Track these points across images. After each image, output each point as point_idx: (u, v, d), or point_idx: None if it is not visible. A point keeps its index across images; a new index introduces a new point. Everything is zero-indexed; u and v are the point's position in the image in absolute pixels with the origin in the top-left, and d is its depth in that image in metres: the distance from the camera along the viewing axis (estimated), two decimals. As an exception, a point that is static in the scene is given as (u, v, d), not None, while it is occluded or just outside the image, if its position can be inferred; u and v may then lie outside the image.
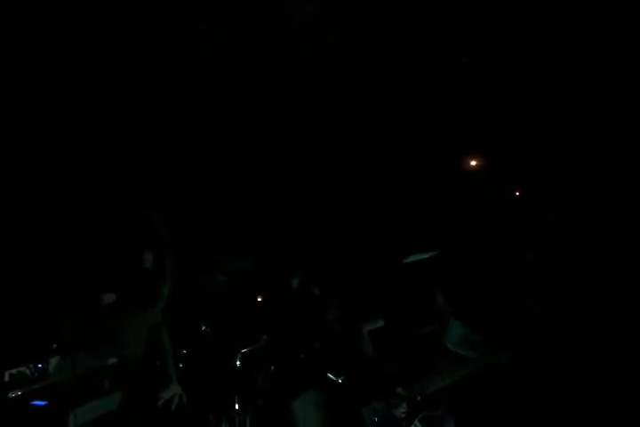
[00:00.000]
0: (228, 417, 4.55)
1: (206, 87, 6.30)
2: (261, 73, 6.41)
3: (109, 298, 3.54)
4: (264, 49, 6.31)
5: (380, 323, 4.41)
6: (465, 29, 6.05)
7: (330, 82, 6.52)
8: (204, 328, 4.74)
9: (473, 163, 7.30)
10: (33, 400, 3.21)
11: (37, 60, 5.60)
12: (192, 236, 5.63)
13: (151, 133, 6.12)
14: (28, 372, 3.22)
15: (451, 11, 5.92)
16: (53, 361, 3.32)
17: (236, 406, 4.53)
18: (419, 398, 4.09)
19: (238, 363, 4.67)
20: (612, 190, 6.08)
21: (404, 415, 4.07)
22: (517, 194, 6.68)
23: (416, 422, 4.08)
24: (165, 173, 6.05)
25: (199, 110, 6.40)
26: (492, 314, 4.69)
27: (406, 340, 4.31)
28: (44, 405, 3.21)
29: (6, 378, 3.15)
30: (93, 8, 5.59)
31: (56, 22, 5.54)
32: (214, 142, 6.42)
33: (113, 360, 3.53)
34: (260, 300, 5.08)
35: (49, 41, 5.57)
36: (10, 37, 5.44)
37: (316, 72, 6.46)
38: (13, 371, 3.18)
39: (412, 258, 4.57)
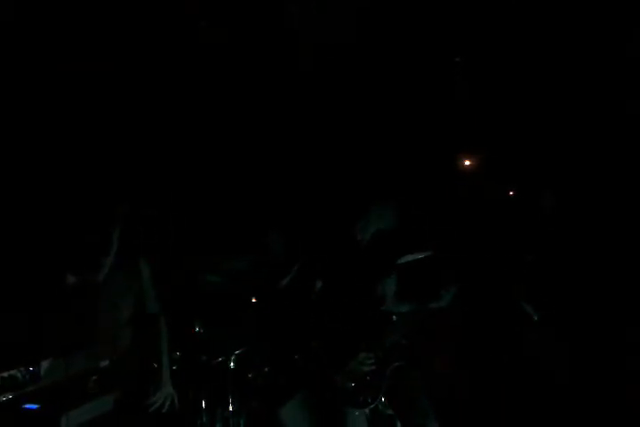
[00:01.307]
0: (222, 419, 4.55)
1: (205, 86, 6.29)
2: (261, 73, 6.39)
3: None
4: (264, 49, 6.30)
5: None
6: (465, 29, 6.03)
7: (330, 82, 6.51)
8: (197, 329, 4.74)
9: (472, 163, 7.28)
10: (25, 404, 3.21)
11: (37, 60, 5.59)
12: (187, 235, 5.62)
13: (149, 132, 6.11)
14: (19, 375, 3.22)
15: (450, 11, 5.90)
16: (45, 364, 3.31)
17: (230, 408, 4.54)
18: (380, 353, 4.14)
19: (232, 364, 4.67)
20: (612, 191, 6.06)
21: (373, 372, 4.12)
22: (512, 194, 6.67)
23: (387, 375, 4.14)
24: (162, 171, 6.04)
25: (198, 109, 6.39)
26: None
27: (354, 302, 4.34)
28: (37, 408, 3.21)
29: (-2, 381, 3.16)
30: (93, 8, 5.59)
31: (56, 22, 5.54)
32: (212, 141, 6.41)
33: (106, 362, 3.53)
34: (255, 301, 5.07)
35: (49, 41, 5.57)
36: (10, 37, 5.44)
37: (315, 72, 6.44)
38: (4, 374, 3.17)
39: (406, 258, 4.57)
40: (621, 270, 5.37)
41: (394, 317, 4.26)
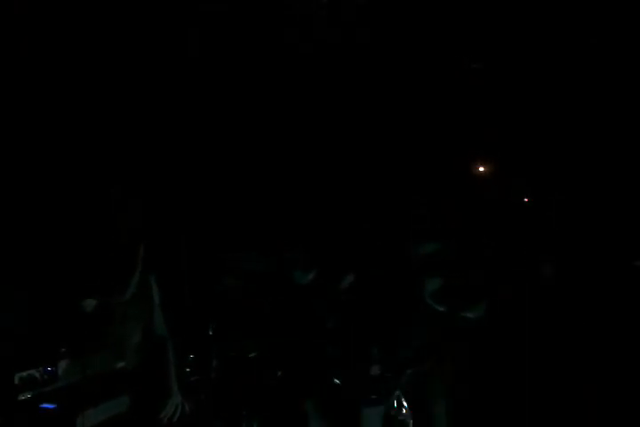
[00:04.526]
0: (236, 422, 4.55)
1: (204, 82, 6.27)
2: (261, 72, 6.40)
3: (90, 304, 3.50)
4: (268, 52, 6.30)
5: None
6: (468, 30, 6.07)
7: (331, 82, 6.53)
8: (211, 333, 4.73)
9: (482, 166, 7.34)
10: (43, 403, 3.23)
11: (36, 59, 5.56)
12: (201, 234, 5.60)
13: (159, 129, 6.07)
14: (37, 375, 3.25)
15: (455, 11, 5.94)
16: (63, 364, 3.34)
17: (244, 412, 4.54)
18: (402, 355, 4.18)
19: (246, 367, 4.67)
20: (615, 191, 6.13)
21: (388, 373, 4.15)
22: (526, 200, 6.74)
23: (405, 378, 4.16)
24: (175, 168, 6.00)
25: (217, 112, 6.37)
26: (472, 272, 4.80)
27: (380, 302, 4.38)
28: (54, 407, 3.23)
29: (17, 381, 3.18)
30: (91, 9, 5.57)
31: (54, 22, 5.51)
32: (225, 137, 6.39)
33: (122, 364, 3.56)
34: (271, 303, 5.05)
35: (49, 41, 5.54)
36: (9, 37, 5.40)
37: (315, 71, 6.46)
38: (24, 374, 3.20)
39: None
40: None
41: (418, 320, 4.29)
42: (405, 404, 4.01)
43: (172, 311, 3.88)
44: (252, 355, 4.72)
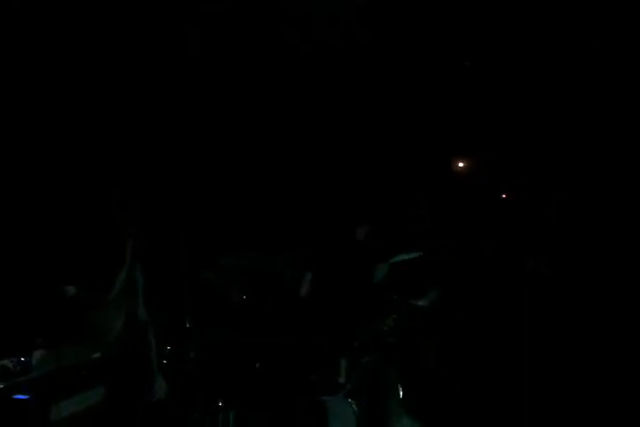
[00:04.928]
0: (212, 414, 4.56)
1: (204, 83, 6.30)
2: (261, 71, 6.42)
3: (70, 291, 3.52)
4: (264, 46, 6.32)
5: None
6: (465, 30, 6.05)
7: (330, 82, 6.54)
8: (188, 325, 4.75)
9: (468, 164, 7.32)
10: (16, 394, 3.25)
11: (36, 60, 5.62)
12: (182, 230, 5.63)
13: (143, 126, 6.09)
14: (11, 365, 3.27)
15: (452, 11, 5.93)
16: (37, 355, 3.37)
17: (220, 403, 4.55)
18: (356, 344, 4.19)
19: (222, 360, 4.69)
20: (613, 192, 6.07)
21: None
22: (505, 196, 6.71)
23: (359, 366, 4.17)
24: (158, 165, 6.02)
25: (204, 111, 6.40)
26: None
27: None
28: (28, 398, 3.25)
29: (-11, 372, 3.20)
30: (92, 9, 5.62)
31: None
32: (209, 135, 6.41)
33: (97, 354, 3.57)
34: (248, 297, 5.09)
35: (50, 41, 5.60)
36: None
37: (315, 71, 6.48)
38: (-4, 364, 3.23)
39: (397, 258, 4.63)
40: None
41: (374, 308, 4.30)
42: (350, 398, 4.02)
43: (154, 303, 3.90)
44: (230, 347, 4.74)
